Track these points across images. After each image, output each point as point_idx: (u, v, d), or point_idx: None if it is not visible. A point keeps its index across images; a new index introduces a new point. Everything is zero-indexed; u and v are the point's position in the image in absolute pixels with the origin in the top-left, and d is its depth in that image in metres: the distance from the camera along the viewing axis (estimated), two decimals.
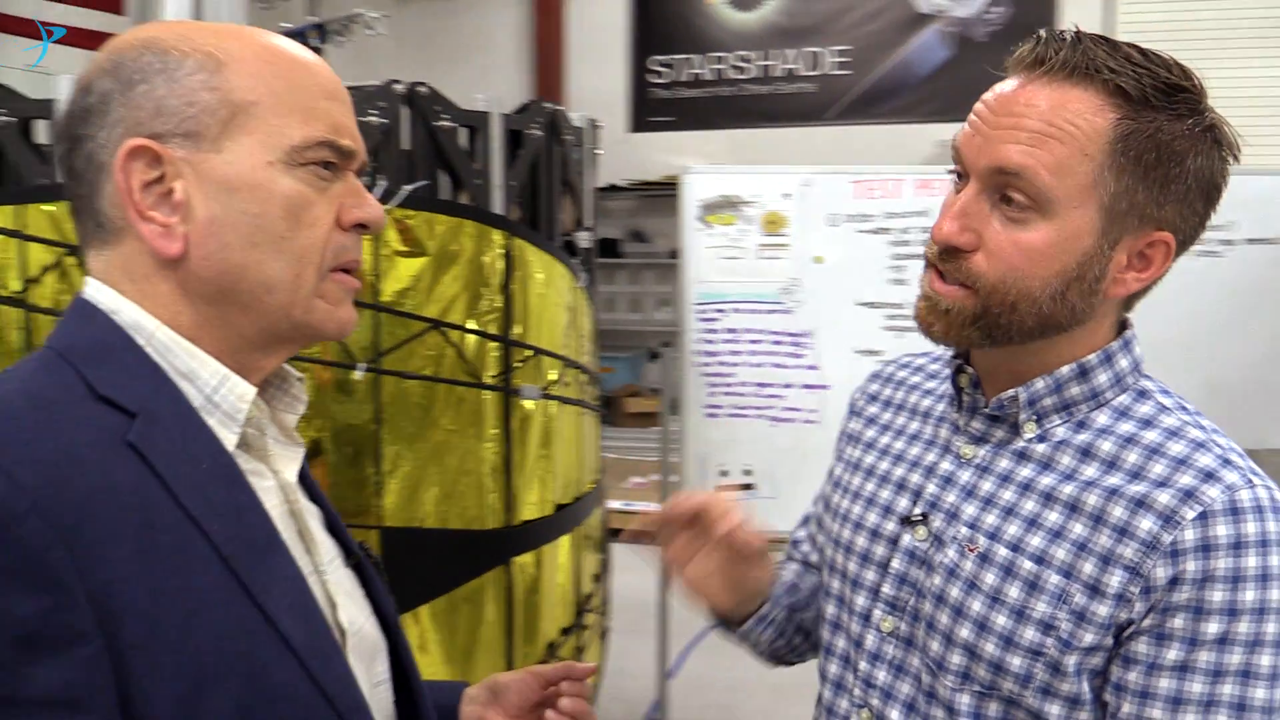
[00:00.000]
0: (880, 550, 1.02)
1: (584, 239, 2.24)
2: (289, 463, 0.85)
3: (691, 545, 1.05)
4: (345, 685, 0.78)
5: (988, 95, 0.91)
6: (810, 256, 2.76)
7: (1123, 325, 0.95)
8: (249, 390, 0.78)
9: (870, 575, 1.02)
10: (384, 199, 1.72)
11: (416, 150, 1.77)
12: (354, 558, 0.91)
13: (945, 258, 0.91)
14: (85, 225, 0.79)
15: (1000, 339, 0.91)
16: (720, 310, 2.79)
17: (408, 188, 1.68)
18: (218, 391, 0.77)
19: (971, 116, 0.91)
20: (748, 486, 2.84)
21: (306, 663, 0.74)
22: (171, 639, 0.66)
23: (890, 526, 1.01)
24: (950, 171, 0.94)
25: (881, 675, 0.99)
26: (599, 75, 6.97)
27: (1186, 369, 2.72)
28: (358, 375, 1.70)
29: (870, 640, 1.01)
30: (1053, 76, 0.86)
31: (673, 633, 3.03)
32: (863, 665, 1.01)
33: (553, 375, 2.05)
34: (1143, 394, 0.94)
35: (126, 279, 0.76)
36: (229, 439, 0.77)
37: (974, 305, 0.90)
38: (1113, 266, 0.88)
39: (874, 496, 1.04)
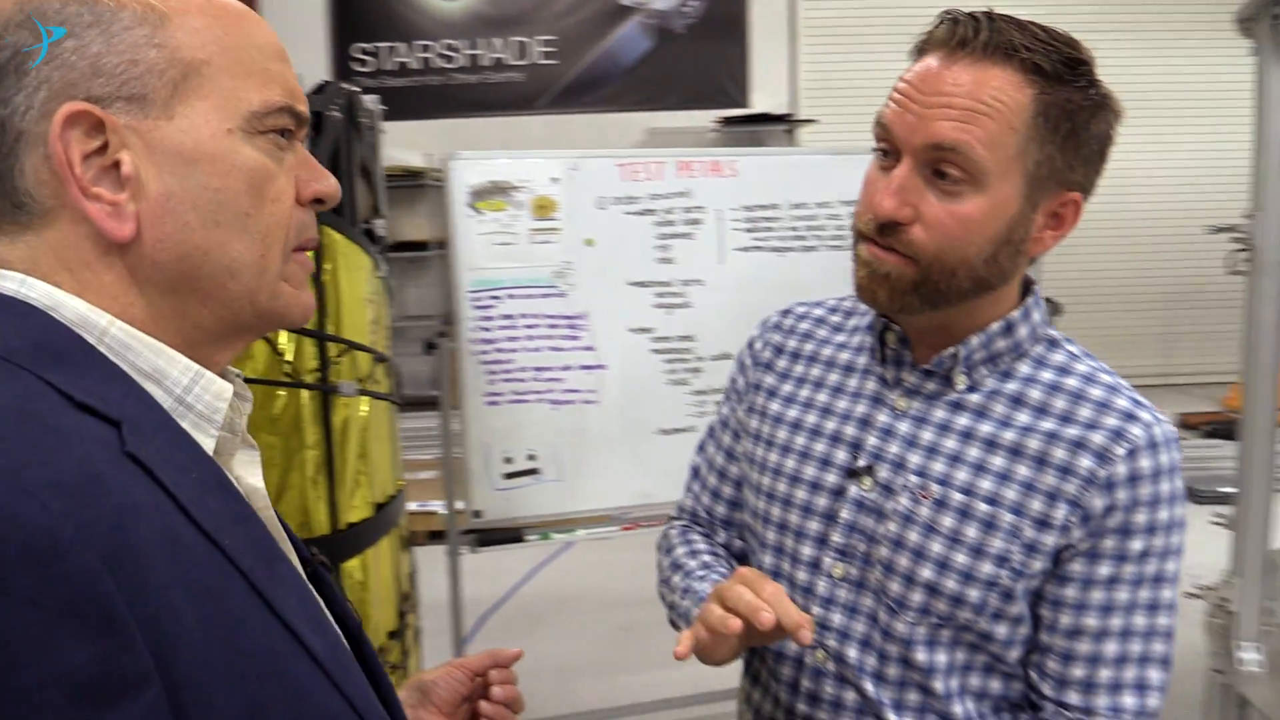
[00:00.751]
0: (823, 501, 1.07)
1: (381, 226, 2.14)
2: (250, 466, 0.77)
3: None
4: (366, 694, 0.72)
5: (910, 75, 0.98)
6: (581, 239, 2.79)
7: (1027, 282, 1.06)
8: (226, 388, 0.70)
9: (815, 525, 1.07)
10: None
11: None
12: (309, 565, 0.84)
13: (884, 231, 0.97)
14: None
15: (940, 304, 0.99)
16: (495, 297, 2.76)
17: None
18: (190, 391, 0.68)
19: (897, 96, 0.98)
20: (533, 472, 2.84)
21: (332, 675, 0.68)
22: (221, 669, 0.58)
23: (831, 478, 1.07)
24: (875, 149, 1.01)
25: (837, 618, 1.06)
26: (298, 62, 6.58)
27: None
28: None
29: (822, 586, 1.07)
30: (975, 57, 0.94)
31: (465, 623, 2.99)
32: (816, 610, 1.07)
33: (365, 370, 1.95)
34: (1053, 343, 1.06)
35: (61, 268, 0.65)
36: (207, 444, 0.69)
37: (915, 273, 0.97)
38: (1034, 227, 0.98)
39: (808, 450, 1.10)
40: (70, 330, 0.64)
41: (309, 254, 0.77)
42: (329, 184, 0.74)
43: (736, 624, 0.94)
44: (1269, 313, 2.26)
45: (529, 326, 2.80)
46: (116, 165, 0.64)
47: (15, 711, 0.49)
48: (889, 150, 0.99)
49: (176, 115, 0.66)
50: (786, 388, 1.16)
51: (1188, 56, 6.65)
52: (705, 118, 6.65)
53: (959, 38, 0.95)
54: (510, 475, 2.82)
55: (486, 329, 2.76)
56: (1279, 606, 2.47)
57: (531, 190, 2.74)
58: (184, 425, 0.67)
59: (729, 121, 6.58)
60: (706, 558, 1.22)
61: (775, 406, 1.16)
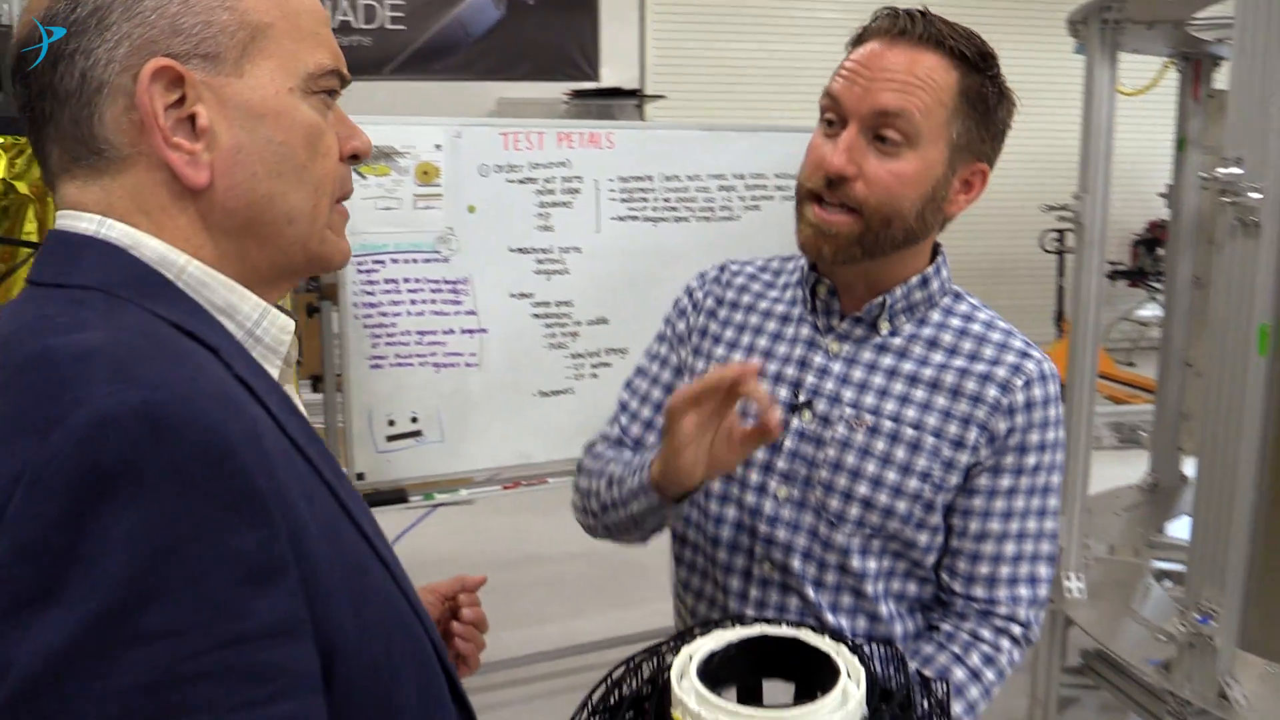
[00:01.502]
0: None
1: None
2: (296, 395, 0.84)
3: (700, 425, 1.07)
4: (417, 599, 0.81)
5: (857, 56, 1.14)
6: (464, 206, 2.84)
7: (935, 245, 1.24)
8: (289, 322, 0.77)
9: (761, 454, 1.21)
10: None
11: None
12: None
13: (832, 186, 1.12)
14: (68, 151, 0.71)
15: (876, 253, 1.15)
16: (379, 261, 2.78)
17: None
18: (259, 325, 0.75)
19: (845, 72, 1.14)
20: (415, 434, 2.89)
21: (398, 580, 0.77)
22: (331, 565, 0.66)
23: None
24: (822, 119, 1.16)
25: (781, 534, 1.20)
26: None
27: None
28: None
29: (768, 506, 1.21)
30: (912, 43, 1.11)
31: None
32: (762, 528, 1.21)
33: None
34: (958, 295, 1.24)
35: (138, 211, 0.71)
36: (272, 372, 0.76)
37: (857, 226, 1.13)
38: (951, 190, 1.16)
39: None
40: (151, 268, 0.70)
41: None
42: (364, 140, 0.82)
43: (694, 387, 1.03)
44: (1093, 281, 2.57)
45: (412, 291, 2.83)
46: (191, 118, 0.70)
47: (194, 586, 0.56)
48: (834, 120, 1.15)
49: (245, 73, 0.72)
50: (729, 334, 1.30)
51: (1026, 51, 7.17)
52: (556, 90, 6.71)
53: (899, 28, 1.13)
54: (393, 438, 2.86)
55: (370, 293, 2.78)
56: (1094, 543, 2.81)
57: (416, 156, 2.77)
58: (254, 355, 0.74)
59: (579, 94, 6.66)
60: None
61: (721, 350, 1.30)
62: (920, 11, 1.14)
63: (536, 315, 2.99)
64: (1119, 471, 3.77)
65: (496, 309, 2.93)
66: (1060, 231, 7.12)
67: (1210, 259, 3.10)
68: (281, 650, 0.59)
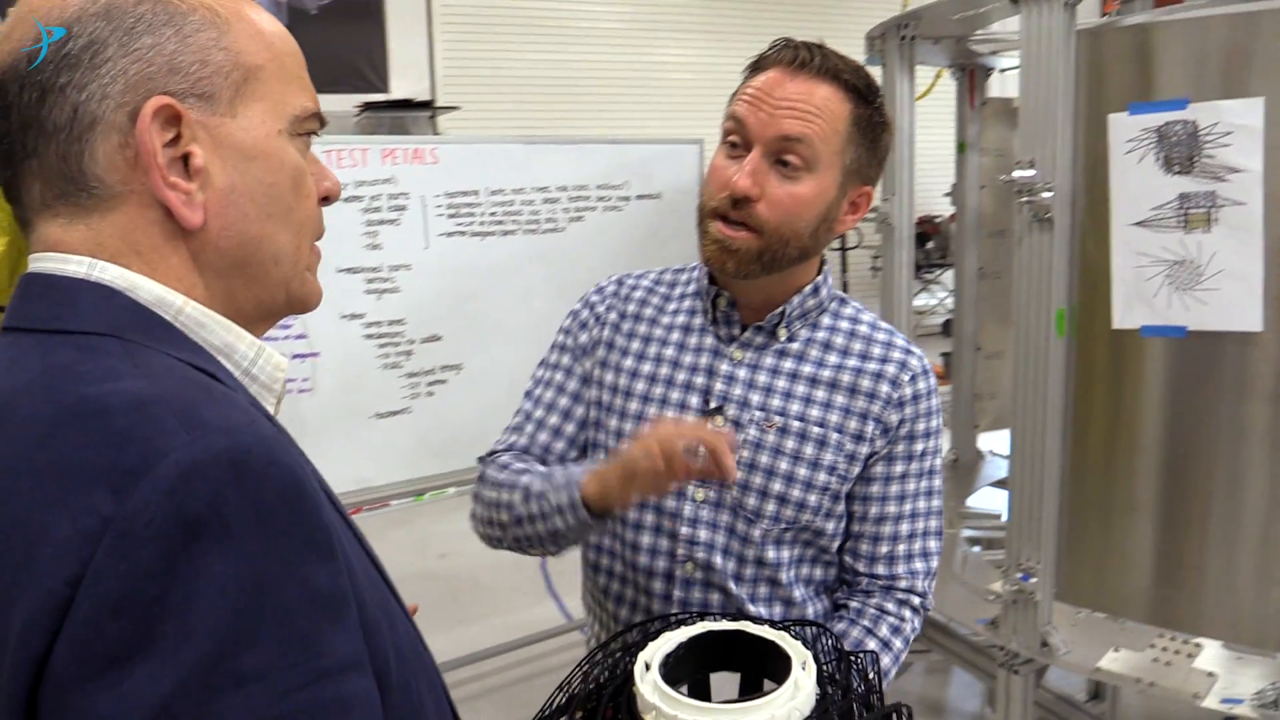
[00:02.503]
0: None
1: None
2: None
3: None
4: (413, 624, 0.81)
5: (759, 83, 1.22)
6: None
7: (820, 259, 1.34)
8: (283, 360, 0.77)
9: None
10: None
11: None
12: None
13: (736, 206, 1.19)
14: (52, 188, 0.68)
15: (774, 269, 1.23)
16: None
17: None
18: (255, 364, 0.74)
19: (748, 98, 1.21)
20: None
21: (402, 604, 0.78)
22: (366, 594, 0.67)
23: (689, 419, 1.27)
24: (725, 140, 1.23)
25: (702, 534, 1.26)
26: None
27: None
28: None
29: (687, 509, 1.26)
30: (810, 74, 1.20)
31: None
32: (683, 530, 1.26)
33: None
34: (843, 301, 1.35)
35: (129, 251, 0.69)
36: (270, 410, 0.75)
37: (759, 244, 1.21)
38: (841, 211, 1.26)
39: (665, 397, 1.29)
40: (150, 310, 0.68)
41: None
42: (335, 181, 0.81)
43: (678, 444, 1.07)
44: (904, 275, 2.78)
45: None
46: (185, 157, 0.68)
47: (282, 626, 0.56)
48: (738, 143, 1.22)
49: (239, 114, 0.71)
50: (635, 345, 1.35)
51: None
52: (346, 102, 6.53)
53: (799, 60, 1.21)
54: None
55: None
56: None
57: None
58: (251, 393, 0.73)
59: (370, 107, 6.52)
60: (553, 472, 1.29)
61: (629, 362, 1.34)
62: (818, 45, 1.23)
63: (369, 336, 2.93)
64: None
65: (327, 331, 2.85)
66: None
67: (993, 251, 3.42)
68: (354, 682, 0.60)
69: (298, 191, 0.75)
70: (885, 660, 1.26)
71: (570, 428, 1.38)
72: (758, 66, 1.25)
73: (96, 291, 0.67)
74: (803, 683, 0.93)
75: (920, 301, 8.78)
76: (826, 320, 1.32)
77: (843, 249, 7.49)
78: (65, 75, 0.66)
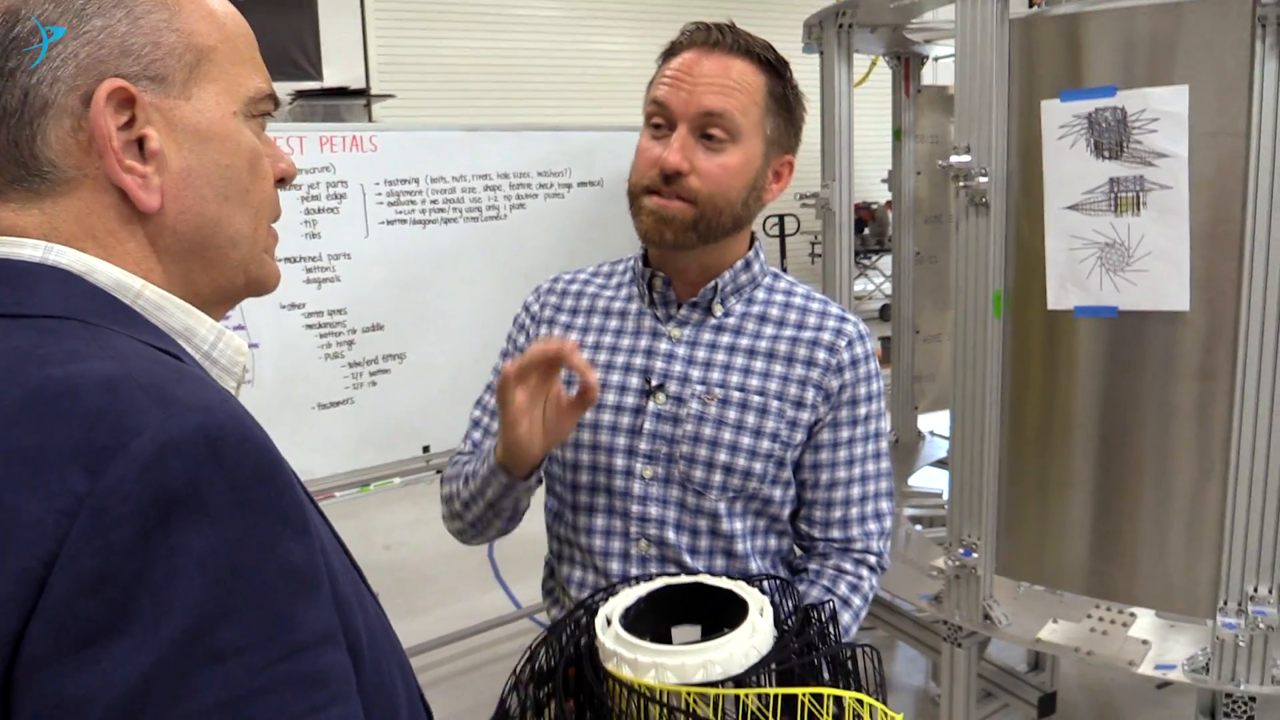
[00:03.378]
0: (626, 419, 1.29)
1: None
2: None
3: (530, 398, 1.15)
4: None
5: (677, 64, 1.26)
6: None
7: (752, 236, 1.37)
8: (243, 344, 0.76)
9: (622, 440, 1.29)
10: None
11: None
12: None
13: (669, 181, 1.23)
14: (3, 173, 0.67)
15: (709, 239, 1.26)
16: None
17: None
18: (215, 347, 0.74)
19: (668, 80, 1.25)
20: None
21: (368, 584, 0.78)
22: (336, 572, 0.67)
23: (630, 400, 1.29)
24: (650, 123, 1.27)
25: (653, 510, 1.28)
26: None
27: None
28: None
29: (636, 487, 1.28)
30: (725, 51, 1.24)
31: None
32: (634, 508, 1.28)
33: None
34: (776, 275, 1.37)
35: (85, 236, 0.68)
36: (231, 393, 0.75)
37: (694, 213, 1.24)
38: (766, 180, 1.29)
39: (605, 381, 1.31)
40: (109, 294, 0.67)
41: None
42: (290, 163, 0.81)
43: (517, 363, 1.12)
44: (844, 259, 2.83)
45: None
46: (140, 140, 0.68)
47: (259, 601, 0.56)
48: (662, 123, 1.26)
49: (193, 96, 0.70)
50: (574, 336, 1.37)
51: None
52: (279, 90, 6.42)
53: (712, 39, 1.25)
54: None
55: None
56: None
57: None
58: (211, 376, 0.72)
59: (304, 95, 6.42)
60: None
61: None
62: (729, 25, 1.27)
63: (309, 326, 2.90)
64: None
65: (267, 322, 2.81)
66: (780, 216, 7.67)
67: (930, 236, 3.49)
68: (329, 655, 0.60)
69: (254, 173, 0.75)
70: (845, 616, 1.30)
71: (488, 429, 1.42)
72: (672, 51, 1.29)
73: (54, 275, 0.66)
74: (760, 625, 0.96)
75: (858, 287, 8.91)
76: (761, 294, 1.36)
77: (781, 235, 7.57)
78: (14, 59, 0.65)
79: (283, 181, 0.81)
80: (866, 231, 8.66)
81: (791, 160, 1.33)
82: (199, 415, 0.57)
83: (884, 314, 7.46)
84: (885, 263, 8.04)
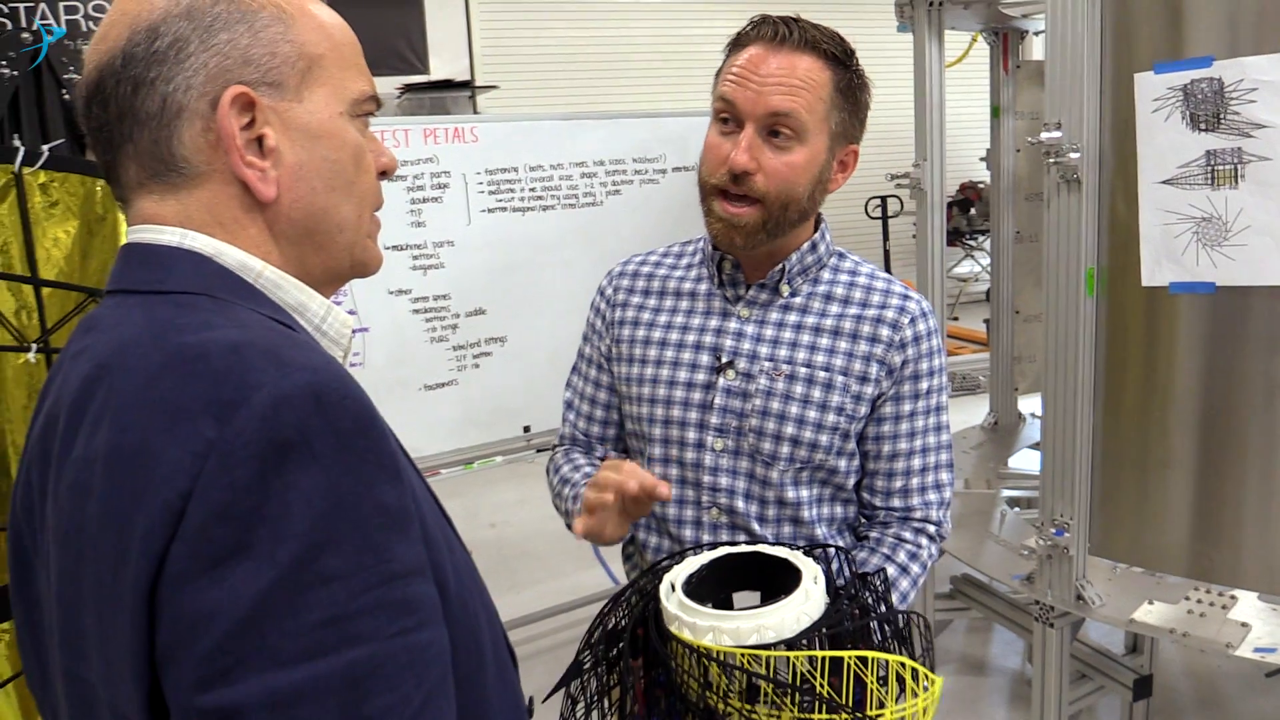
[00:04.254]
0: (697, 395, 1.36)
1: None
2: None
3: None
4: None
5: (742, 60, 1.29)
6: None
7: (818, 217, 1.41)
8: (349, 318, 0.86)
9: (694, 414, 1.35)
10: (27, 161, 1.51)
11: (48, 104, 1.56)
12: None
13: (737, 180, 1.28)
14: (146, 169, 0.78)
15: (778, 234, 1.32)
16: None
17: (45, 147, 1.50)
18: (325, 320, 0.83)
19: (734, 77, 1.29)
20: None
21: (459, 534, 0.86)
22: (430, 518, 0.75)
23: (701, 376, 1.36)
24: (718, 118, 1.31)
25: (724, 481, 1.35)
26: None
27: None
28: (30, 358, 1.48)
29: (708, 459, 1.35)
30: (791, 48, 1.28)
31: None
32: (705, 479, 1.35)
33: None
34: (841, 255, 1.41)
35: (214, 223, 0.78)
36: (339, 362, 0.84)
37: (761, 214, 1.29)
38: (832, 171, 1.34)
39: (677, 359, 1.38)
40: (234, 273, 0.78)
41: None
42: (391, 158, 0.90)
43: (608, 497, 1.22)
44: (935, 240, 2.82)
45: None
46: (259, 139, 0.78)
47: (357, 534, 0.65)
48: (729, 119, 1.30)
49: (304, 99, 0.80)
50: (646, 316, 1.45)
51: (855, 30, 7.54)
52: (387, 84, 6.64)
53: (779, 35, 1.29)
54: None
55: None
56: None
57: None
58: (321, 346, 0.81)
59: (411, 89, 6.62)
60: (588, 469, 1.46)
61: (641, 333, 1.44)
62: (794, 19, 1.31)
63: (416, 310, 3.04)
64: (960, 417, 4.11)
65: (376, 307, 2.96)
66: (883, 199, 7.58)
67: (1029, 215, 3.43)
68: (418, 586, 0.68)
69: (358, 166, 0.84)
70: (904, 583, 1.34)
71: (600, 412, 1.52)
72: (738, 44, 1.33)
73: (188, 258, 0.76)
74: (813, 592, 1.01)
75: (964, 269, 8.73)
76: (827, 274, 1.40)
77: (884, 217, 7.47)
78: (155, 70, 0.75)
79: (384, 174, 0.89)
80: (973, 212, 8.47)
81: (856, 149, 1.37)
82: (308, 374, 0.66)
83: (989, 296, 7.31)
84: None
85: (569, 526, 1.42)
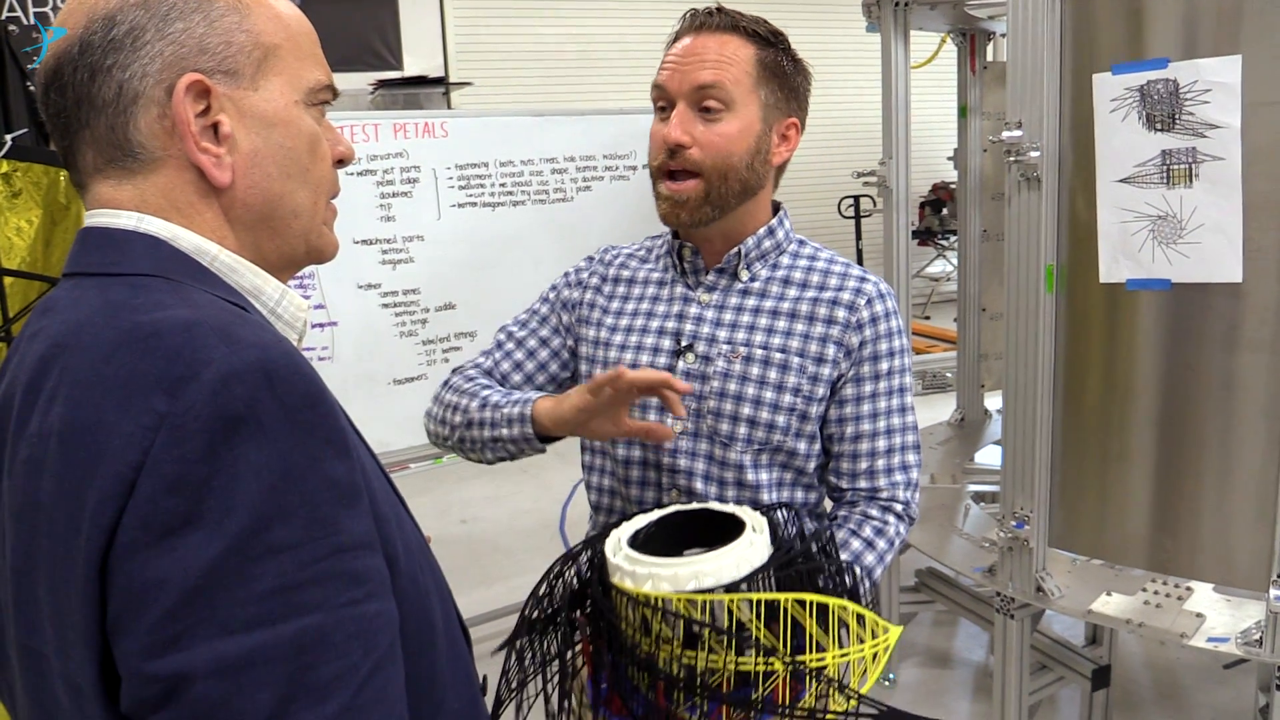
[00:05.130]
0: None
1: None
2: None
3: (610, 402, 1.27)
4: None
5: (674, 50, 1.36)
6: None
7: (776, 204, 1.45)
8: (304, 302, 0.87)
9: (655, 399, 1.36)
10: None
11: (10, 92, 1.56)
12: None
13: (674, 155, 1.33)
14: (102, 154, 0.79)
15: (724, 207, 1.35)
16: None
17: (9, 137, 1.49)
18: (280, 304, 0.85)
19: (667, 66, 1.36)
20: None
21: (407, 506, 0.88)
22: (380, 495, 0.77)
23: (663, 360, 1.39)
24: (656, 108, 1.38)
25: (682, 462, 1.37)
26: None
27: None
28: None
29: (667, 442, 1.36)
30: (713, 30, 1.34)
31: None
32: (665, 460, 1.37)
33: None
34: (801, 242, 1.44)
35: (170, 208, 0.80)
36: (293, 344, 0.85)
37: (702, 187, 1.33)
38: (771, 144, 1.37)
39: (640, 343, 1.41)
40: (189, 256, 0.79)
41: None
42: (348, 146, 0.91)
43: (622, 376, 1.21)
44: (900, 239, 2.85)
45: None
46: (215, 126, 0.79)
47: (306, 507, 0.66)
48: (665, 106, 1.36)
49: (260, 87, 0.81)
50: (615, 304, 1.48)
51: (823, 32, 7.59)
52: (360, 80, 6.63)
53: (700, 21, 1.35)
54: None
55: None
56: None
57: None
58: (276, 329, 0.82)
59: (384, 84, 6.60)
60: (516, 397, 1.42)
61: (609, 319, 1.47)
62: (717, 7, 1.37)
63: (385, 305, 3.04)
64: (928, 414, 4.16)
65: (345, 301, 2.96)
66: (856, 198, 7.63)
67: (996, 214, 3.48)
68: (366, 559, 0.70)
69: (314, 154, 0.86)
70: (869, 558, 1.36)
71: (530, 365, 1.51)
72: (674, 39, 1.38)
73: (144, 241, 0.78)
74: (756, 541, 1.02)
75: (937, 268, 8.80)
76: (786, 260, 1.44)
77: (857, 216, 7.52)
78: (111, 57, 0.77)
79: (341, 162, 0.91)
80: (946, 212, 8.54)
81: (797, 122, 1.41)
82: (258, 351, 0.68)
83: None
84: None
85: (489, 422, 1.37)
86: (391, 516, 0.78)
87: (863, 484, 1.41)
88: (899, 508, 1.41)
